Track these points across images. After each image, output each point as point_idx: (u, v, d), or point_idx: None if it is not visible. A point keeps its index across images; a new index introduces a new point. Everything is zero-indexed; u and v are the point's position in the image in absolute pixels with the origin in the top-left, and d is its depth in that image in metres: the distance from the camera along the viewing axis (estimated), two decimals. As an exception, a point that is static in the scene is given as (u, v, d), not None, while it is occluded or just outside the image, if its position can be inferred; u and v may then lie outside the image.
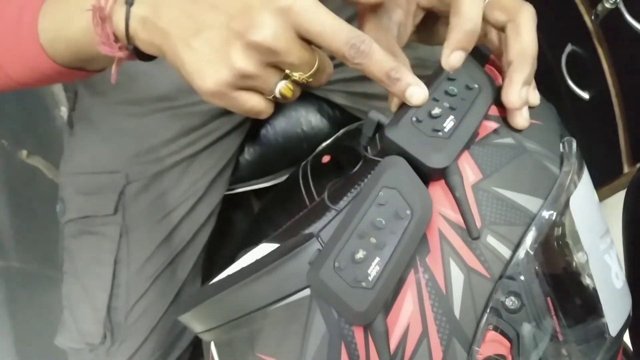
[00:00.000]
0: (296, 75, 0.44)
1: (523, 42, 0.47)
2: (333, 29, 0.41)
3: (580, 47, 1.03)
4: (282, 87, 0.44)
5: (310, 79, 0.44)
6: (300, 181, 0.81)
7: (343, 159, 0.79)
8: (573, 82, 1.05)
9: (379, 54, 0.42)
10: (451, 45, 0.45)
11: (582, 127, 1.07)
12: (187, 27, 0.42)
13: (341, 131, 0.88)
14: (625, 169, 0.98)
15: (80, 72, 0.56)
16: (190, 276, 0.90)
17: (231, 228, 1.08)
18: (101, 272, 0.82)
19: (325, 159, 0.79)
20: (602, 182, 1.01)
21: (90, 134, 0.84)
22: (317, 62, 0.44)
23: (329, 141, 0.91)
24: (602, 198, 1.01)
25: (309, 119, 0.96)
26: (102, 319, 0.81)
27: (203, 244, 0.91)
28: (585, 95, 1.03)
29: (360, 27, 0.52)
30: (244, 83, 0.43)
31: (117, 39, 0.47)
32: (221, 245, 1.01)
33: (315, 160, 0.84)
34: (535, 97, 0.51)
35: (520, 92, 0.47)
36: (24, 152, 1.21)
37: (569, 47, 1.04)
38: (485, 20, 0.48)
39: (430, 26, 0.56)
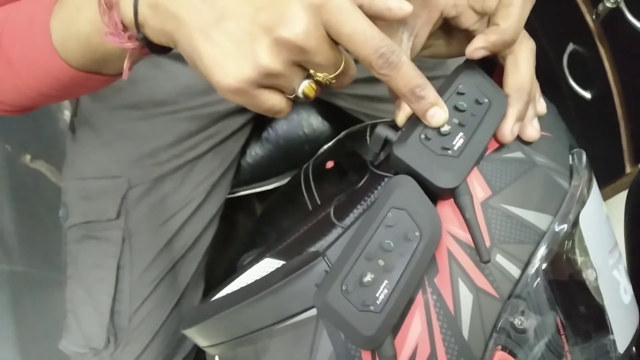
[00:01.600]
0: (320, 76, 0.41)
1: (521, 77, 0.47)
2: (365, 34, 0.38)
3: (581, 46, 1.03)
4: (306, 87, 0.41)
5: (334, 81, 0.42)
6: (302, 184, 0.80)
7: (345, 163, 0.78)
8: (575, 81, 1.04)
9: (408, 68, 0.40)
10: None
11: (584, 127, 1.07)
12: (205, 15, 0.39)
13: (342, 133, 0.88)
14: (628, 169, 0.97)
15: (97, 77, 0.53)
16: (193, 280, 0.90)
17: (234, 231, 1.08)
18: (104, 276, 0.82)
19: (329, 164, 0.79)
20: (604, 182, 1.01)
21: (92, 139, 0.84)
22: (342, 64, 0.42)
23: (330, 143, 0.90)
24: (604, 198, 1.00)
25: (311, 121, 0.96)
26: (105, 323, 0.81)
27: (205, 247, 0.91)
28: (587, 95, 1.03)
29: None
30: (267, 81, 0.40)
31: (125, 28, 0.44)
32: (224, 248, 1.01)
33: (317, 163, 0.83)
34: (542, 107, 0.51)
35: (513, 128, 0.47)
36: (28, 157, 1.21)
37: (570, 47, 1.04)
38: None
39: (440, 38, 0.54)
